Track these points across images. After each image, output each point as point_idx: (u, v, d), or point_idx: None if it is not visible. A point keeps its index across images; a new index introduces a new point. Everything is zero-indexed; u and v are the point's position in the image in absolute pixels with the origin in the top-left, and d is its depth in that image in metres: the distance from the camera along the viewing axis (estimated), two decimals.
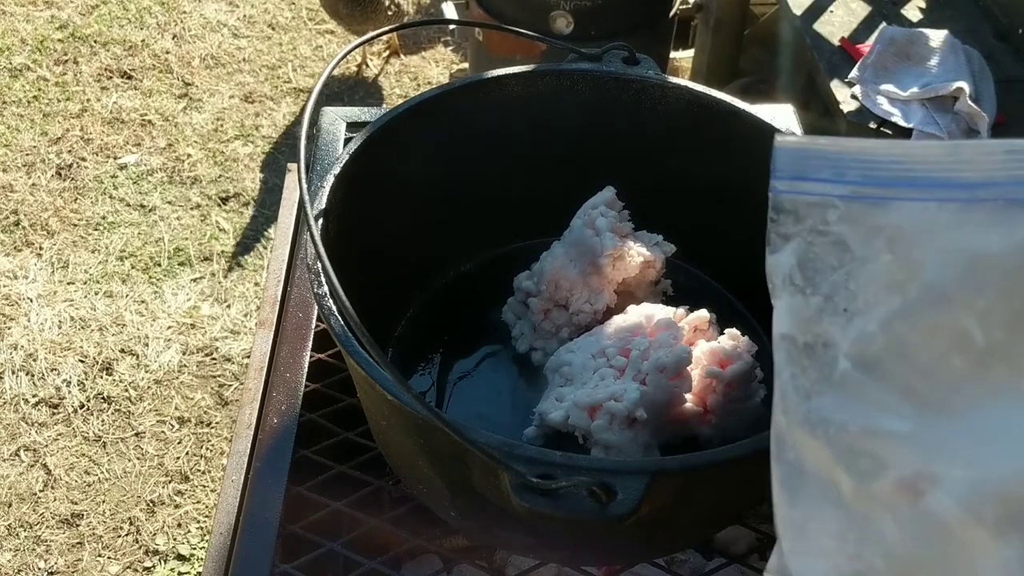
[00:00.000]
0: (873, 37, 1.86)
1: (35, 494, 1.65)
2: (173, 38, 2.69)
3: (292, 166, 1.01)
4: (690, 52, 2.36)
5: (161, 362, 1.86)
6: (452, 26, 2.52)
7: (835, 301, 0.39)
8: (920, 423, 0.36)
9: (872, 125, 1.71)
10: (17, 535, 1.59)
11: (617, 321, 0.72)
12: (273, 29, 2.76)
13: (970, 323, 0.35)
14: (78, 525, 1.61)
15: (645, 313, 0.71)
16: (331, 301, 0.58)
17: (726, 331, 0.70)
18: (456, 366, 0.80)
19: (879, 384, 0.37)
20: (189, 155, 2.32)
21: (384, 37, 2.44)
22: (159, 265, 2.05)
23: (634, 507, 0.49)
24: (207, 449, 1.73)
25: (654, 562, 0.72)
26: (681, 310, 0.73)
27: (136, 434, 1.75)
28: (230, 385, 1.83)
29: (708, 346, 0.69)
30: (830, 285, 0.39)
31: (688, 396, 0.67)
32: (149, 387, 1.82)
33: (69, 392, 1.80)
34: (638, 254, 0.76)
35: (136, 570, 1.57)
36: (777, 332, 0.40)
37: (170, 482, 1.68)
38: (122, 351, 1.88)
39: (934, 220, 0.37)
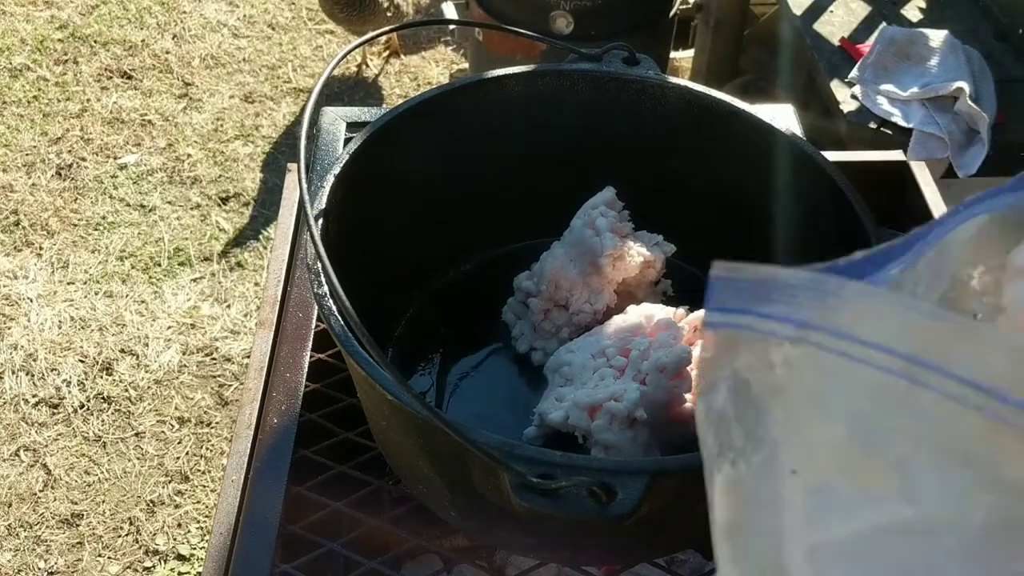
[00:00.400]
0: (873, 37, 1.86)
1: (35, 494, 1.65)
2: (173, 38, 2.69)
3: (292, 166, 1.01)
4: (690, 52, 2.36)
5: (161, 362, 1.86)
6: (452, 26, 2.52)
7: (780, 461, 0.31)
8: None
9: (872, 125, 1.71)
10: (17, 535, 1.59)
11: (617, 321, 0.72)
12: (273, 29, 2.76)
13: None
14: (78, 525, 1.61)
15: (645, 313, 0.71)
16: (331, 301, 0.58)
17: None
18: (456, 366, 0.80)
19: None
20: (189, 155, 2.32)
21: (384, 37, 2.44)
22: (159, 265, 2.05)
23: (634, 507, 0.49)
24: (207, 449, 1.73)
25: (654, 562, 0.72)
26: (681, 310, 0.73)
27: (136, 434, 1.75)
28: (230, 385, 1.83)
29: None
30: (771, 441, 0.31)
31: (688, 396, 0.67)
32: (149, 387, 1.82)
33: (69, 392, 1.80)
34: (638, 254, 0.76)
35: (136, 570, 1.57)
36: (720, 519, 0.32)
37: (170, 482, 1.68)
38: (122, 351, 1.88)
39: (906, 400, 0.29)
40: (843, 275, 0.31)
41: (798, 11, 1.99)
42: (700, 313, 0.72)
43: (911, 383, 0.29)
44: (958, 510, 0.29)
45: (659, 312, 0.71)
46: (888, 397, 0.29)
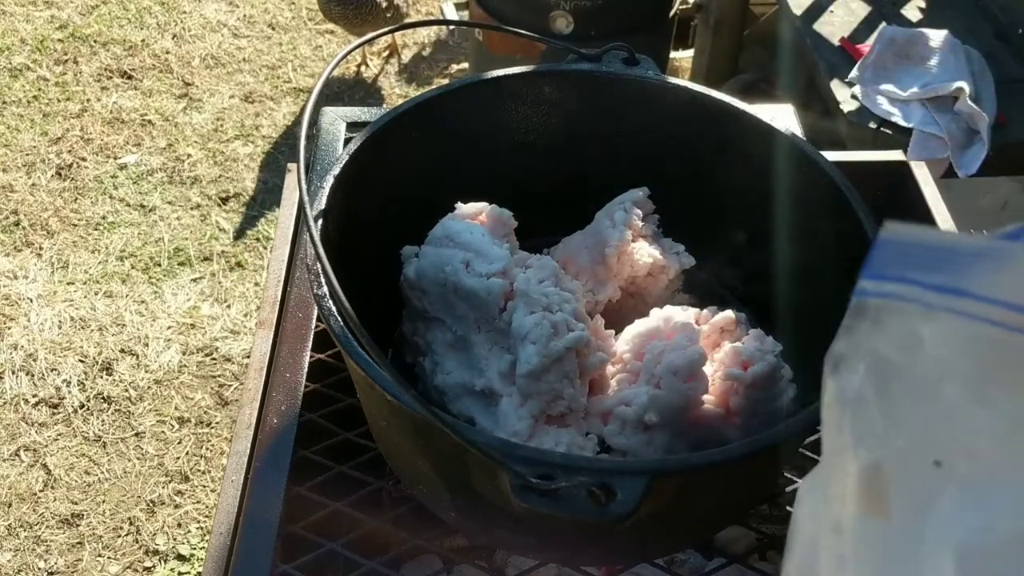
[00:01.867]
0: (873, 37, 1.86)
1: (35, 494, 1.65)
2: (173, 38, 2.69)
3: (292, 166, 1.01)
4: (690, 52, 2.36)
5: (161, 362, 1.86)
6: (452, 26, 2.52)
7: (923, 450, 0.28)
8: None
9: (872, 125, 1.71)
10: (17, 535, 1.59)
11: (636, 325, 0.71)
12: (273, 29, 2.76)
13: None
14: (78, 525, 1.61)
15: (664, 316, 0.70)
16: (331, 301, 0.58)
17: (750, 331, 0.69)
18: None
19: None
20: (189, 155, 2.32)
21: (384, 37, 2.44)
22: (159, 265, 2.05)
23: (634, 507, 0.49)
24: (207, 449, 1.73)
25: (654, 562, 0.72)
26: (707, 311, 0.72)
27: (136, 434, 1.75)
28: (230, 385, 1.83)
29: (729, 348, 0.68)
30: (914, 427, 0.28)
31: (707, 398, 0.66)
32: (149, 387, 1.82)
33: (69, 392, 1.80)
34: (648, 255, 0.76)
35: (136, 570, 1.57)
36: (854, 511, 0.29)
37: (170, 482, 1.68)
38: (122, 351, 1.88)
39: None
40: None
41: (798, 11, 1.99)
42: (726, 314, 0.71)
43: None
44: None
45: (678, 315, 0.70)
46: None
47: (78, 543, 1.59)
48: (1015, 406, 0.27)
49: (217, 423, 1.77)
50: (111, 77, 2.54)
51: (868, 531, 0.28)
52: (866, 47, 1.84)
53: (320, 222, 0.64)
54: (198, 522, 1.63)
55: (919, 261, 0.28)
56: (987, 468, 0.27)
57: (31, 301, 1.96)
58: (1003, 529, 0.26)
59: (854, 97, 1.76)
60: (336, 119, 0.99)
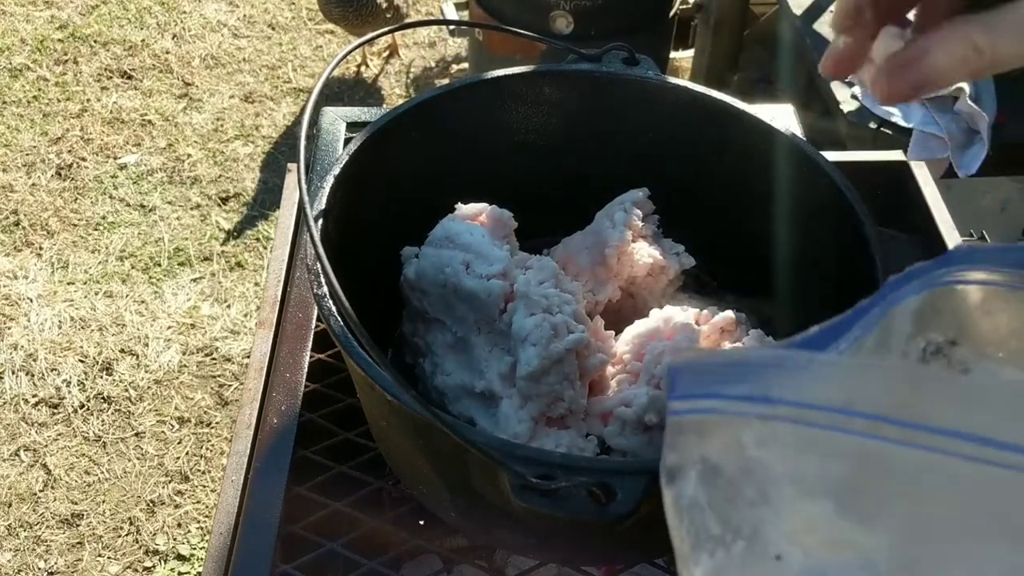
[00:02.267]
0: None
1: (35, 494, 1.65)
2: (173, 38, 2.69)
3: (292, 166, 1.01)
4: (690, 52, 2.36)
5: (161, 362, 1.86)
6: (452, 26, 2.52)
7: (762, 546, 0.29)
8: None
9: (872, 125, 1.71)
10: (17, 535, 1.59)
11: (636, 326, 0.71)
12: (273, 29, 2.76)
13: None
14: (78, 525, 1.61)
15: (664, 316, 0.70)
16: (331, 301, 0.58)
17: (750, 332, 0.69)
18: None
19: None
20: (189, 155, 2.32)
21: (384, 37, 2.44)
22: (159, 265, 2.05)
23: (634, 507, 0.49)
24: (207, 449, 1.73)
25: (654, 562, 0.71)
26: (707, 311, 0.72)
27: (136, 434, 1.75)
28: (230, 385, 1.83)
29: (728, 347, 0.68)
30: (751, 526, 0.30)
31: None
32: (149, 387, 1.82)
33: (69, 392, 1.80)
34: (648, 255, 0.76)
35: (136, 570, 1.57)
36: None
37: (170, 482, 1.68)
38: (122, 351, 1.88)
39: (883, 467, 0.28)
40: (803, 349, 0.31)
41: (798, 11, 1.99)
42: (727, 314, 0.71)
43: (894, 445, 0.28)
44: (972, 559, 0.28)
45: (678, 315, 0.70)
46: (872, 462, 0.28)
47: (78, 543, 1.59)
48: (833, 493, 0.29)
49: (217, 423, 1.77)
50: (111, 77, 2.54)
51: None
52: None
53: (320, 222, 0.64)
54: (198, 522, 1.63)
55: (719, 377, 0.31)
56: (820, 554, 0.29)
57: (31, 301, 1.96)
58: None
59: (854, 97, 1.76)
60: (336, 119, 0.99)
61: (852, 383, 0.29)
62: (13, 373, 1.83)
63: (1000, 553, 0.27)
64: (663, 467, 0.32)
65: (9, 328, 1.91)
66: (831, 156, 0.75)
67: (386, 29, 0.74)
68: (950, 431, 0.28)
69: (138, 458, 1.71)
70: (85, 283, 2.01)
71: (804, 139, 0.76)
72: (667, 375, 0.32)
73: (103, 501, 1.65)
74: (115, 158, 2.30)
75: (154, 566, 1.57)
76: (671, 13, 1.86)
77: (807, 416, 0.29)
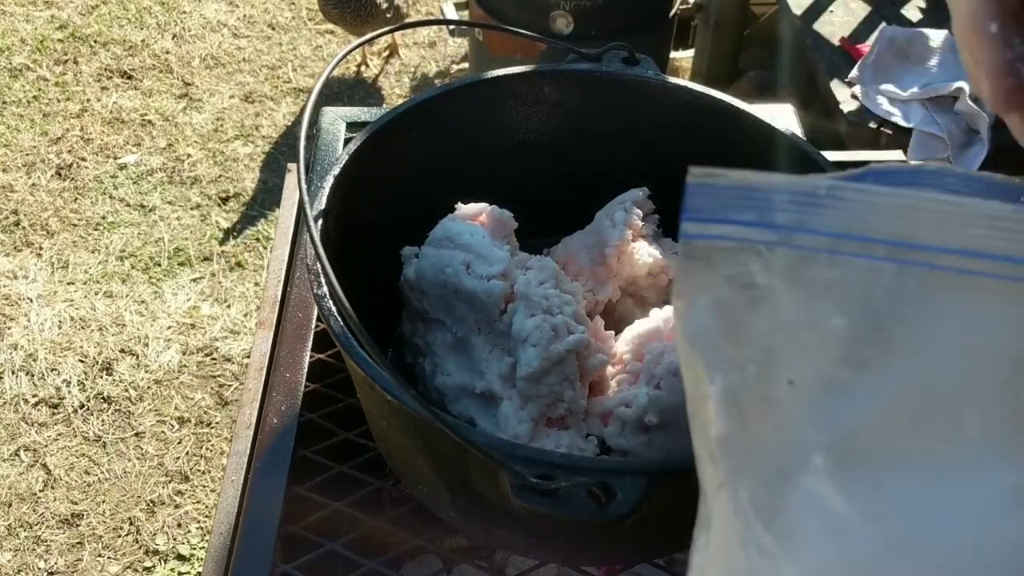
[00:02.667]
0: (873, 37, 1.86)
1: (35, 494, 1.65)
2: (173, 38, 2.69)
3: (292, 166, 1.01)
4: (690, 52, 2.36)
5: (161, 362, 1.86)
6: (452, 26, 2.52)
7: (775, 371, 0.30)
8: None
9: (872, 125, 1.71)
10: (17, 535, 1.59)
11: (636, 326, 0.71)
12: (273, 29, 2.76)
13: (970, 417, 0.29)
14: (78, 525, 1.61)
15: (664, 316, 0.70)
16: (331, 301, 0.58)
17: None
18: None
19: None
20: (189, 155, 2.32)
21: (384, 37, 2.44)
22: (159, 265, 2.05)
23: (634, 507, 0.49)
24: (207, 449, 1.73)
25: (654, 562, 0.72)
26: None
27: (136, 434, 1.75)
28: (230, 385, 1.83)
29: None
30: (763, 351, 0.30)
31: None
32: (149, 387, 1.82)
33: (69, 392, 1.80)
34: (648, 255, 0.76)
35: (136, 570, 1.57)
36: (718, 433, 0.31)
37: (170, 482, 1.68)
38: (122, 351, 1.88)
39: (899, 286, 0.29)
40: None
41: (798, 11, 1.99)
42: None
43: (909, 265, 0.29)
44: (976, 369, 0.29)
45: None
46: (884, 286, 0.29)
47: (78, 543, 1.59)
48: (852, 312, 0.30)
49: (217, 423, 1.77)
50: (111, 77, 2.54)
51: (733, 447, 0.31)
52: (866, 47, 1.84)
53: (320, 222, 0.64)
54: (198, 522, 1.63)
55: (732, 201, 0.31)
56: (833, 371, 0.30)
57: (31, 301, 1.96)
58: (858, 423, 0.29)
59: (854, 97, 1.76)
60: (336, 119, 0.99)
61: (869, 210, 0.29)
62: (13, 373, 1.83)
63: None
64: (674, 293, 0.32)
65: (9, 328, 1.91)
66: (831, 156, 0.75)
67: (386, 29, 0.74)
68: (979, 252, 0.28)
69: (138, 458, 1.71)
70: (85, 283, 2.01)
71: (804, 139, 0.76)
72: (684, 191, 0.31)
73: (103, 501, 1.65)
74: (115, 158, 2.30)
75: (154, 566, 1.57)
76: (671, 13, 1.86)
77: (820, 244, 0.30)
